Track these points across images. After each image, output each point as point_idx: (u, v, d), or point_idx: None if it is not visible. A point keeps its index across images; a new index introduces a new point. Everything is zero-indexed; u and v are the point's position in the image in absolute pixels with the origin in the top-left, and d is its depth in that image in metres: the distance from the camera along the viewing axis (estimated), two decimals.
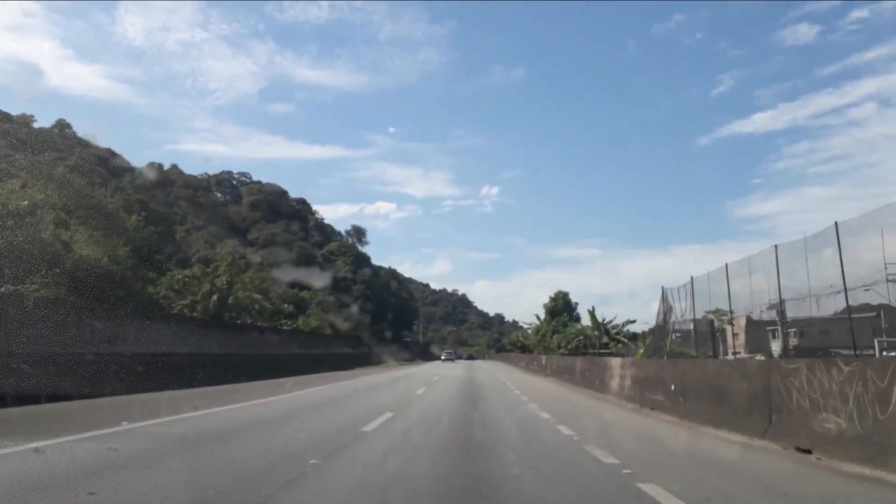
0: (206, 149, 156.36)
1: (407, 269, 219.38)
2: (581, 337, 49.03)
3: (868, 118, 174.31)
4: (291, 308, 54.68)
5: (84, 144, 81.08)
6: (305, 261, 70.53)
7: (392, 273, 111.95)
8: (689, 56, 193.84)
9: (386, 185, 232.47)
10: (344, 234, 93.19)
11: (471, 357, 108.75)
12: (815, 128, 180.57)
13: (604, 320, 48.57)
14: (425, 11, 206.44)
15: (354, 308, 71.64)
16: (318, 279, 66.84)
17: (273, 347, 34.98)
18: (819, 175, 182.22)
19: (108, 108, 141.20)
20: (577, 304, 66.76)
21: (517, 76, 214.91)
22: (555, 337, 55.64)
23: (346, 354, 56.26)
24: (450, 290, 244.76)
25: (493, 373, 37.78)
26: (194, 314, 30.52)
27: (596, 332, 47.95)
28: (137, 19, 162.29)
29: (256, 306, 39.01)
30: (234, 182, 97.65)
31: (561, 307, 65.35)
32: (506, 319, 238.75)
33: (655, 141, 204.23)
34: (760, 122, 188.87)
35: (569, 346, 48.40)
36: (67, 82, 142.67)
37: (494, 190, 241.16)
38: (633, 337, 44.77)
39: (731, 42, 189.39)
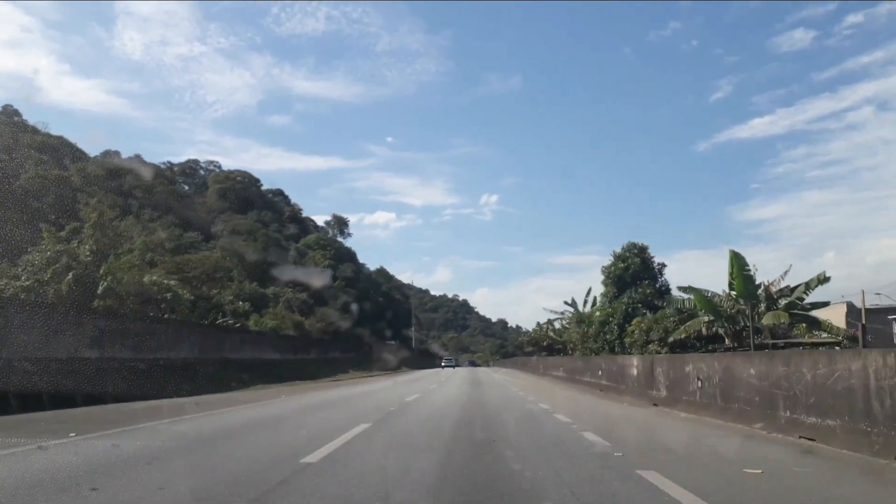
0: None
1: (407, 278, 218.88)
2: (706, 317, 24.30)
3: (866, 122, 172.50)
4: (245, 305, 43.66)
5: (32, 131, 71.38)
6: (273, 253, 59.37)
7: (384, 273, 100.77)
8: (686, 63, 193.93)
9: (385, 194, 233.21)
10: (324, 225, 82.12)
11: (473, 364, 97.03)
12: (814, 132, 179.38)
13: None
14: (422, 22, 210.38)
15: (346, 307, 60.63)
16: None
17: (178, 350, 23.86)
18: (818, 179, 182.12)
19: (107, 123, 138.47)
20: (662, 265, 36.92)
21: (514, 84, 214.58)
22: (637, 322, 30.36)
23: (312, 361, 45.08)
24: (450, 295, 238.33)
25: (523, 396, 18.60)
26: (39, 298, 19.54)
27: (740, 303, 22.95)
28: (135, 34, 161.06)
29: (169, 295, 27.91)
30: (202, 172, 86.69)
31: (636, 271, 35.89)
32: (509, 325, 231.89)
33: (654, 147, 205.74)
34: (758, 127, 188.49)
35: (670, 340, 25.92)
36: (66, 97, 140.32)
37: (493, 198, 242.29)
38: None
39: (728, 48, 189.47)
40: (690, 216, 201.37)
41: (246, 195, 77.21)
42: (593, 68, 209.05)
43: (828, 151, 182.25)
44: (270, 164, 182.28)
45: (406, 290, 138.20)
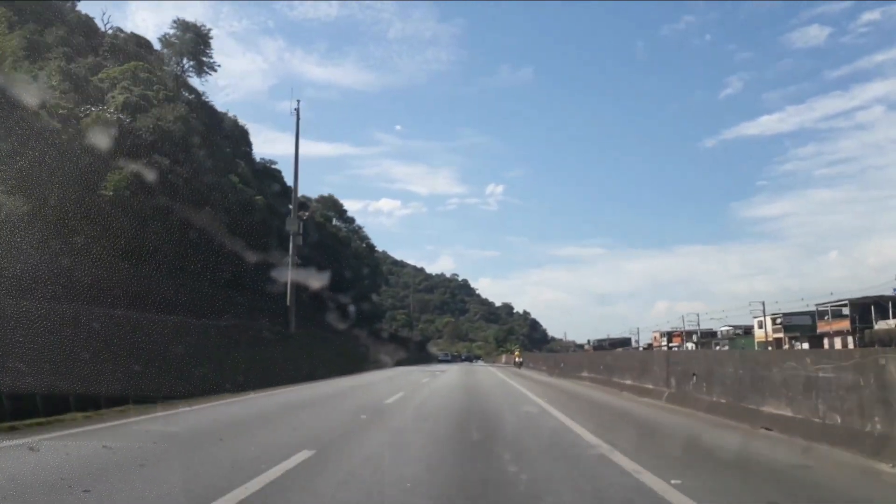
0: None
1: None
2: None
3: (876, 121, 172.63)
4: None
5: None
6: None
7: (332, 204, 61.42)
8: (698, 58, 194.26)
9: (392, 182, 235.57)
10: (162, 48, 38.55)
11: (467, 359, 64.51)
12: (823, 130, 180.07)
13: None
14: (434, 10, 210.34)
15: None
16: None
17: None
18: (826, 177, 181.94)
19: None
20: None
21: (525, 76, 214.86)
22: None
23: None
24: (448, 275, 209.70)
25: None
26: None
27: None
28: (148, 15, 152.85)
29: None
30: None
31: None
32: (515, 310, 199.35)
33: (662, 142, 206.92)
34: (767, 124, 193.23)
35: None
36: None
37: (499, 188, 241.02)
38: None
39: (740, 44, 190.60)
40: (695, 211, 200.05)
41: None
42: (605, 61, 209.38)
43: (836, 150, 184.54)
44: (278, 149, 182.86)
45: (366, 233, 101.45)
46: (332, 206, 61.05)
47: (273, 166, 42.93)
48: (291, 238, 22.27)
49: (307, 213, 54.01)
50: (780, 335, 50.45)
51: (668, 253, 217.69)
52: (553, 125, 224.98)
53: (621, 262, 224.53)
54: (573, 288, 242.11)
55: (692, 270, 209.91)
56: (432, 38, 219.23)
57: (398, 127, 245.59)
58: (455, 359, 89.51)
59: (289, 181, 39.66)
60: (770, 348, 44.52)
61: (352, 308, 47.36)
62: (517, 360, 42.23)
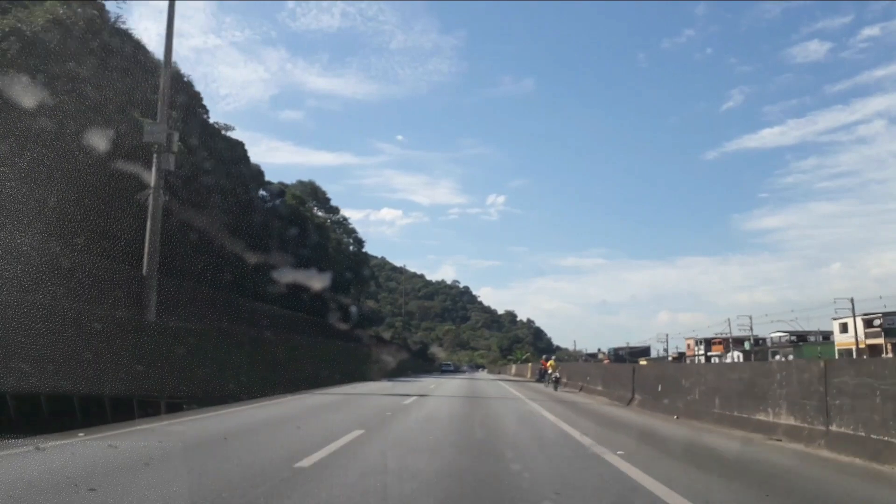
0: None
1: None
2: None
3: (876, 135, 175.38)
4: None
5: None
6: None
7: (311, 190, 53.10)
8: (699, 71, 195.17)
9: (393, 192, 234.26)
10: None
11: (472, 369, 56.03)
12: (824, 144, 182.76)
13: None
14: (436, 22, 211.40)
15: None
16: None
17: None
18: (827, 190, 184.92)
19: None
20: None
21: (526, 87, 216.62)
22: None
23: None
24: (449, 281, 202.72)
25: None
26: None
27: None
28: (150, 24, 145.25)
29: None
30: None
31: None
32: (518, 318, 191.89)
33: (663, 154, 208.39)
34: (768, 137, 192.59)
35: None
36: None
37: (500, 199, 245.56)
38: None
39: (741, 58, 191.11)
40: (696, 223, 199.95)
41: None
42: (606, 73, 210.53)
43: (837, 163, 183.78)
44: (280, 159, 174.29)
45: (353, 226, 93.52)
46: (311, 191, 52.73)
47: (229, 133, 34.48)
48: (155, 158, 13.41)
49: (279, 200, 45.77)
50: (879, 340, 41.03)
51: (670, 264, 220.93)
52: (554, 136, 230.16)
53: (622, 272, 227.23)
54: (575, 297, 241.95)
55: (693, 281, 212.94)
56: (434, 50, 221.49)
57: (399, 137, 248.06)
58: (459, 368, 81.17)
59: (278, 179, 31.27)
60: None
61: (327, 304, 39.43)
62: (552, 374, 27.14)
